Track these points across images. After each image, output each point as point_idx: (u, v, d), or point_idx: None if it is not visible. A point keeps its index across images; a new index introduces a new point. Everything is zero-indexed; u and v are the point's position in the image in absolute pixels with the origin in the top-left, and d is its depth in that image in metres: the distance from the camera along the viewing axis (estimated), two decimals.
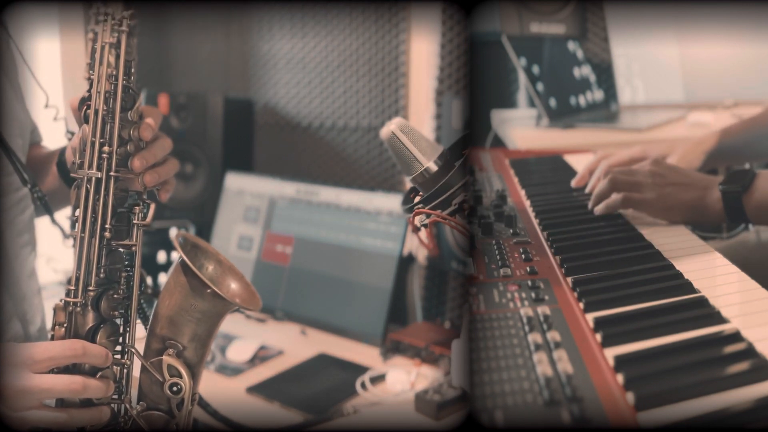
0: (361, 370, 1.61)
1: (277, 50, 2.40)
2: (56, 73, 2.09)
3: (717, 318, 0.78)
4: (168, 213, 2.13)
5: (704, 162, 1.37)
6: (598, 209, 1.17)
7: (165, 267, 2.21)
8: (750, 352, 0.70)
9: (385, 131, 0.88)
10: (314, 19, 2.30)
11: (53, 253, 1.89)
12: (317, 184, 1.98)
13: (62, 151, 1.09)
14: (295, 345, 1.78)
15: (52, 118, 1.07)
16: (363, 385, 1.54)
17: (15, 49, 1.06)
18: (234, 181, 2.12)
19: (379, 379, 1.57)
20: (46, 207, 1.04)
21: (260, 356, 1.70)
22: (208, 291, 0.89)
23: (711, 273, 0.93)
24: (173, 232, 2.22)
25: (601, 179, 1.38)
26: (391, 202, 1.83)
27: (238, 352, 1.69)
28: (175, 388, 0.90)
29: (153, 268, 2.18)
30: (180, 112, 2.14)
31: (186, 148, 2.13)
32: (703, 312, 0.79)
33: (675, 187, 1.13)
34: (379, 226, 1.84)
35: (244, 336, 1.78)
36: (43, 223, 1.12)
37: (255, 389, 1.54)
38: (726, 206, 1.09)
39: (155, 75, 2.51)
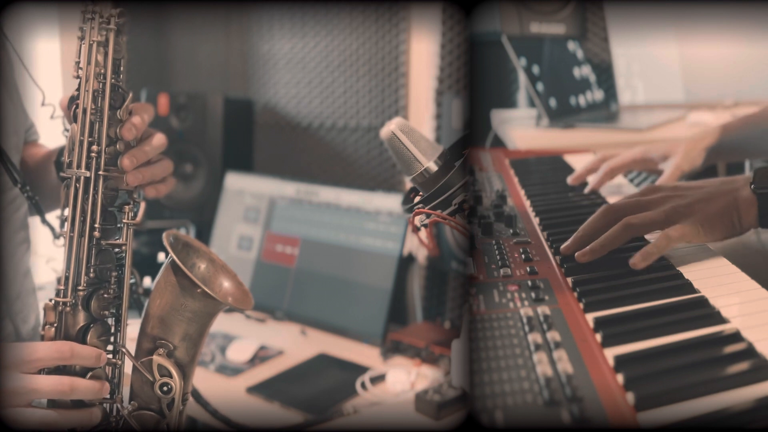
0: (361, 370, 1.61)
1: (277, 50, 2.40)
2: (56, 73, 2.10)
3: (717, 318, 0.78)
4: (168, 213, 2.13)
5: (705, 159, 1.36)
6: (633, 263, 0.93)
7: None
8: (750, 352, 0.70)
9: (385, 131, 0.88)
10: (314, 19, 2.30)
11: (53, 253, 1.88)
12: (317, 184, 1.98)
13: (60, 150, 1.09)
14: (295, 345, 1.78)
15: (49, 116, 1.07)
16: (363, 385, 1.54)
17: (11, 48, 1.06)
18: (234, 181, 2.12)
19: (379, 379, 1.57)
20: (37, 207, 1.04)
21: (260, 356, 1.70)
22: (198, 290, 0.89)
23: (711, 273, 0.92)
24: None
25: (602, 182, 1.37)
26: (391, 202, 1.83)
27: (238, 352, 1.69)
28: (165, 388, 0.90)
29: (153, 268, 2.17)
30: (180, 112, 2.14)
31: (186, 148, 2.13)
32: (703, 312, 0.79)
33: (703, 203, 0.96)
34: (379, 226, 1.84)
35: (244, 336, 1.78)
36: (40, 222, 1.12)
37: (255, 389, 1.54)
38: (761, 211, 0.95)
39: (155, 75, 2.51)
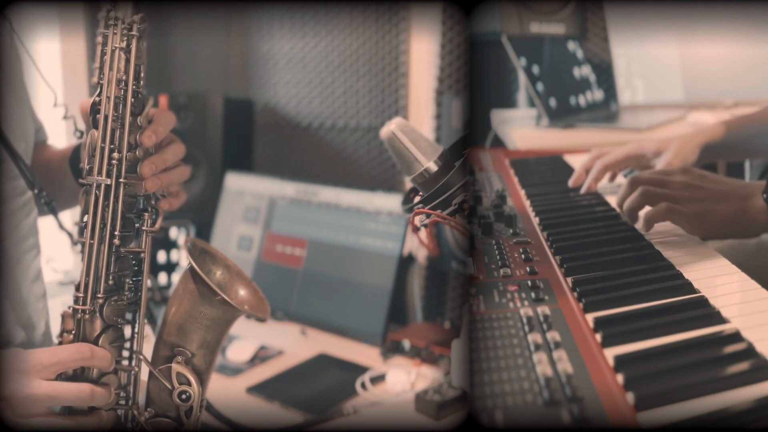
0: (361, 370, 1.61)
1: (277, 50, 2.40)
2: (56, 73, 2.10)
3: (717, 318, 0.78)
4: (168, 213, 2.12)
5: (699, 156, 1.36)
6: (640, 227, 1.07)
7: (165, 267, 2.21)
8: (750, 352, 0.70)
9: (385, 131, 0.88)
10: (314, 19, 2.30)
11: (53, 253, 1.89)
12: (317, 184, 1.98)
13: (75, 150, 1.09)
14: (295, 345, 1.78)
15: (60, 117, 1.06)
16: (363, 385, 1.54)
17: (20, 47, 1.05)
18: (234, 181, 2.12)
19: (379, 379, 1.57)
20: (53, 211, 1.04)
21: (260, 356, 1.70)
22: (217, 298, 0.89)
23: (711, 273, 0.93)
24: (173, 233, 2.22)
25: (596, 179, 1.38)
26: (391, 202, 1.83)
27: (238, 352, 1.69)
28: (184, 396, 0.90)
29: (153, 268, 2.18)
30: (180, 112, 2.14)
31: (186, 148, 2.12)
32: (703, 312, 0.79)
33: (713, 201, 1.02)
34: (379, 226, 1.83)
35: (244, 336, 1.78)
36: (42, 224, 1.12)
37: (255, 389, 1.54)
38: None
39: (155, 75, 2.51)
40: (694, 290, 0.86)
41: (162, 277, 2.20)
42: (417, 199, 0.89)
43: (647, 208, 1.07)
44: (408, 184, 0.92)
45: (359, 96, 2.25)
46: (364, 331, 1.78)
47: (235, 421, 1.16)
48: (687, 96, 2.47)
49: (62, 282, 1.97)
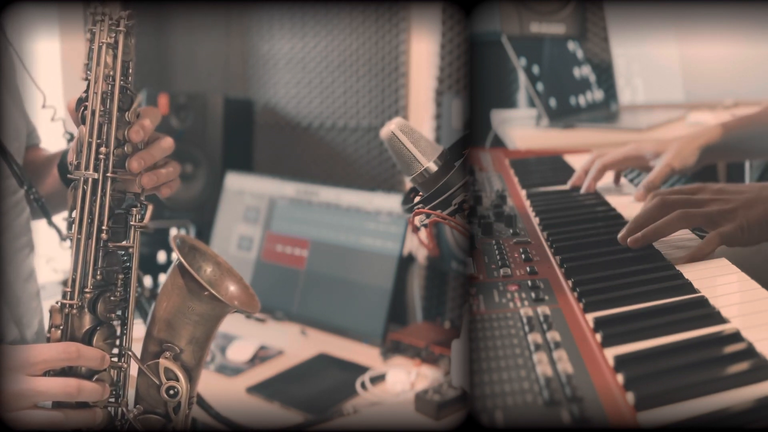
0: (361, 370, 1.61)
1: (277, 50, 2.40)
2: (56, 73, 2.10)
3: (717, 318, 0.78)
4: (168, 213, 2.13)
5: (699, 157, 1.36)
6: (681, 256, 0.98)
7: (165, 267, 2.21)
8: (750, 352, 0.70)
9: (385, 131, 0.88)
10: (314, 19, 2.30)
11: (53, 253, 1.89)
12: (317, 184, 1.98)
13: (64, 154, 1.09)
14: (295, 345, 1.78)
15: (49, 118, 1.06)
16: (363, 385, 1.54)
17: (12, 50, 1.06)
18: (234, 181, 2.12)
19: (379, 379, 1.57)
20: (43, 209, 1.04)
21: (260, 356, 1.70)
22: (206, 293, 0.89)
23: (711, 273, 0.93)
24: (173, 233, 2.22)
25: (596, 179, 1.38)
26: (391, 202, 1.83)
27: (238, 352, 1.69)
28: (171, 392, 0.90)
29: (153, 268, 2.18)
30: (180, 112, 2.14)
31: (186, 148, 2.13)
32: (703, 312, 0.79)
33: (744, 209, 0.99)
34: (379, 226, 1.83)
35: (244, 336, 1.78)
36: (42, 224, 1.12)
37: (255, 389, 1.54)
38: None
39: (155, 75, 2.51)
40: (694, 290, 0.86)
41: (162, 278, 2.20)
42: (417, 199, 0.89)
43: (680, 231, 1.03)
44: (408, 184, 0.92)
45: (359, 96, 2.25)
46: (364, 331, 1.78)
47: (235, 423, 1.16)
48: (687, 96, 2.47)
49: (62, 282, 1.96)
